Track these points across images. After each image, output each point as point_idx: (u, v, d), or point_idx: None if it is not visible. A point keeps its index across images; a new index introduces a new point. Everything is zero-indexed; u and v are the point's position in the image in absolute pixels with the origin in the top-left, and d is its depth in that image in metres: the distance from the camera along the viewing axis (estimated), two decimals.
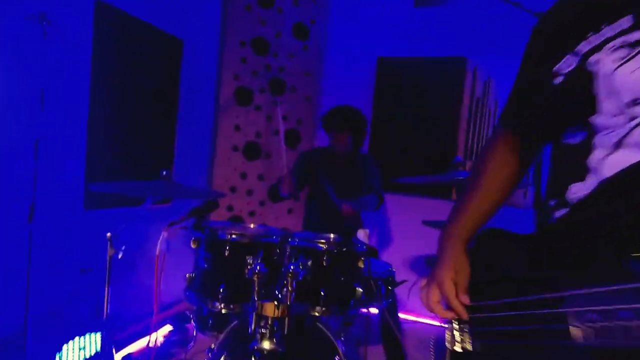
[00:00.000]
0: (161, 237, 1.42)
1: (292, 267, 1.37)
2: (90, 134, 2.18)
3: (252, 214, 3.32)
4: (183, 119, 2.83)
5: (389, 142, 3.23)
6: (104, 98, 2.25)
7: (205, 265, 1.51)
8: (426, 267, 3.46)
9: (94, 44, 2.13)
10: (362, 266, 1.47)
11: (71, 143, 2.11)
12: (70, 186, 2.12)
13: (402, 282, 2.18)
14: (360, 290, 1.49)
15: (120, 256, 1.68)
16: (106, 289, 1.70)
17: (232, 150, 3.23)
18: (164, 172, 1.83)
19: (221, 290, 1.44)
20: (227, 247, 1.46)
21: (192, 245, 1.52)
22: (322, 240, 1.50)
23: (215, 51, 3.14)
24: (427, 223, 2.15)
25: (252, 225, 1.84)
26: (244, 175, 3.28)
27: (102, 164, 2.26)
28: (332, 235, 1.71)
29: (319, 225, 2.53)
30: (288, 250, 1.57)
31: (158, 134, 2.69)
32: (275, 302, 1.34)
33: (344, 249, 1.48)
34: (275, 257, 1.54)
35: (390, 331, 2.17)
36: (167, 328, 2.83)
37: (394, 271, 1.97)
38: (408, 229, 3.24)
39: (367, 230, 1.41)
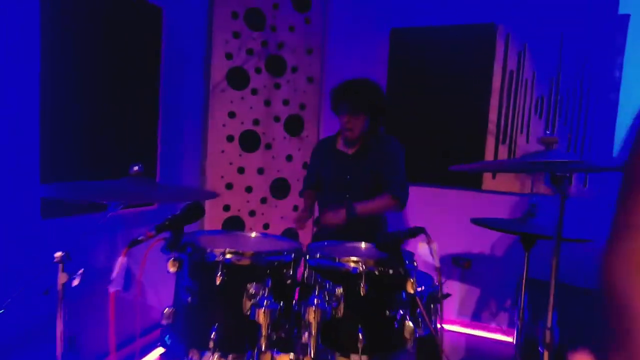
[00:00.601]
0: (117, 266, 0.95)
1: (315, 300, 0.90)
2: (43, 123, 1.69)
3: (252, 213, 2.85)
4: (167, 105, 2.34)
5: (406, 126, 2.75)
6: (62, 79, 1.76)
7: (190, 299, 1.04)
8: (453, 266, 3.01)
9: (42, 11, 1.64)
10: (413, 291, 1.01)
11: (19, 135, 1.62)
12: (23, 190, 1.64)
13: (447, 295, 1.73)
14: (411, 325, 1.03)
15: (76, 283, 1.21)
16: (58, 325, 1.24)
17: (227, 140, 2.75)
18: (135, 168, 1.35)
19: (213, 334, 0.97)
20: (220, 273, 0.99)
21: (171, 269, 1.05)
22: (356, 258, 1.02)
23: (202, 24, 2.63)
24: (476, 222, 1.69)
25: (252, 235, 1.36)
26: (241, 170, 2.80)
27: (61, 161, 1.78)
28: (363, 245, 1.24)
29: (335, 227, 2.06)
30: (306, 273, 1.10)
31: (136, 124, 2.20)
32: (292, 355, 0.88)
33: (391, 270, 1.01)
34: (288, 283, 1.07)
35: (433, 345, 1.71)
36: (159, 351, 2.37)
37: (437, 285, 1.52)
38: (427, 222, 2.77)
39: (435, 245, 0.94)
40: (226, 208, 2.78)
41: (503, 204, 2.60)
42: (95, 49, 1.92)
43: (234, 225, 2.79)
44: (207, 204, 2.72)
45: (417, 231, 0.99)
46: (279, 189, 2.90)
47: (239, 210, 2.81)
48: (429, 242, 0.96)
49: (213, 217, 2.74)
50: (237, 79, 2.73)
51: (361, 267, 0.98)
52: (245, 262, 1.04)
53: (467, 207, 2.68)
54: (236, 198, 2.79)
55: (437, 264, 0.97)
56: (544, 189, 2.49)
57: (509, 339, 2.54)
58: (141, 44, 2.18)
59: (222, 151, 2.74)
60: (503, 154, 2.57)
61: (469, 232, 2.68)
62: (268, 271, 1.04)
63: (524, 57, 2.52)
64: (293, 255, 1.12)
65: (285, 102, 2.88)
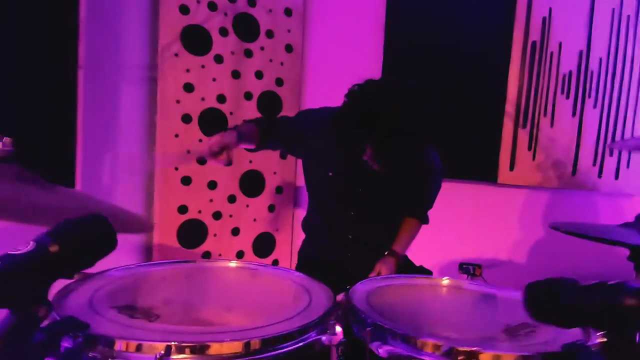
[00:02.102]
0: None
1: None
2: None
3: (217, 215, 2.16)
4: (92, 71, 1.59)
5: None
6: None
7: None
8: (460, 274, 2.52)
9: None
10: None
11: None
12: None
13: None
14: None
15: None
16: None
17: (183, 121, 2.03)
18: None
19: None
20: None
21: None
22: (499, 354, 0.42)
23: None
24: (556, 227, 1.17)
25: (229, 265, 0.72)
26: (202, 160, 2.10)
27: None
28: (445, 283, 0.65)
29: (333, 244, 1.45)
30: None
31: (37, 97, 1.43)
32: None
33: None
34: None
35: None
36: None
37: None
38: (432, 221, 2.24)
39: None
40: (182, 209, 2.07)
41: (523, 200, 2.14)
42: None
43: (192, 231, 2.09)
44: (157, 204, 2.00)
45: None
46: (251, 184, 2.24)
47: (199, 212, 2.11)
48: None
49: (165, 223, 2.02)
50: (196, 40, 2.02)
51: None
52: None
53: (480, 203, 2.19)
54: (196, 196, 2.09)
55: None
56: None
57: None
58: None
59: (176, 135, 2.02)
60: (523, 140, 2.09)
61: (480, 232, 2.20)
62: None
63: (549, 25, 2.04)
64: (326, 335, 0.49)
65: (259, 75, 2.21)
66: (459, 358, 0.47)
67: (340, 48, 2.26)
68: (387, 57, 2.21)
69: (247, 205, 2.24)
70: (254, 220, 2.26)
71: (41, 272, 0.40)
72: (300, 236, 2.38)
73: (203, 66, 2.04)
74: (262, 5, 2.17)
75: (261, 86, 2.21)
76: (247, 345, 0.45)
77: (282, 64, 2.25)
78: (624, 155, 2.01)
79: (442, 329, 0.54)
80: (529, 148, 2.09)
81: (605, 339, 0.50)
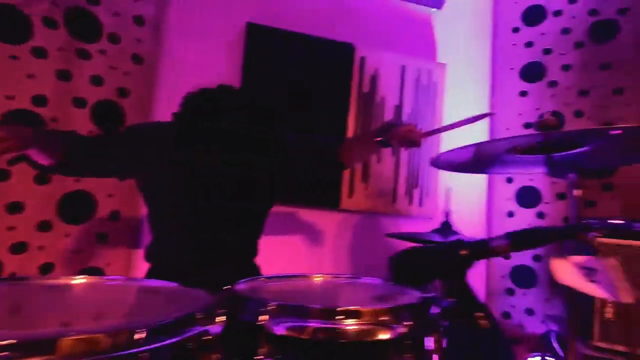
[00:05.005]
0: None
1: None
2: None
3: (17, 248, 1.59)
4: None
5: None
6: None
7: None
8: None
9: None
10: None
11: None
12: None
13: None
14: None
15: None
16: None
17: None
18: None
19: None
20: None
21: None
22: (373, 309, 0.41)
23: None
24: (391, 235, 1.32)
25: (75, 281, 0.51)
26: (2, 174, 1.54)
27: None
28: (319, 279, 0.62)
29: (190, 272, 1.26)
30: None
31: None
32: None
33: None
34: None
35: None
36: None
37: None
38: (285, 244, 2.25)
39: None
40: None
41: (360, 223, 2.39)
42: None
43: None
44: None
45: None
46: (76, 208, 1.76)
47: None
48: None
49: None
50: (7, 24, 1.54)
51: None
52: None
53: (325, 225, 2.33)
54: None
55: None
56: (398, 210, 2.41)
57: None
58: None
59: None
60: (359, 173, 2.37)
61: (326, 250, 2.32)
62: None
63: (375, 82, 2.45)
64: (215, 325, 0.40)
65: (96, 81, 1.83)
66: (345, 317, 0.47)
67: (197, 67, 2.13)
68: (246, 86, 2.19)
69: (67, 235, 1.74)
70: (76, 252, 1.77)
71: None
72: (138, 269, 1.99)
73: (16, 57, 1.56)
74: (106, 5, 1.85)
75: (98, 94, 1.83)
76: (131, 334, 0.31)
77: (127, 74, 1.94)
78: (425, 187, 2.51)
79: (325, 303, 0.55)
80: (363, 180, 2.38)
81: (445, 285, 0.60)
